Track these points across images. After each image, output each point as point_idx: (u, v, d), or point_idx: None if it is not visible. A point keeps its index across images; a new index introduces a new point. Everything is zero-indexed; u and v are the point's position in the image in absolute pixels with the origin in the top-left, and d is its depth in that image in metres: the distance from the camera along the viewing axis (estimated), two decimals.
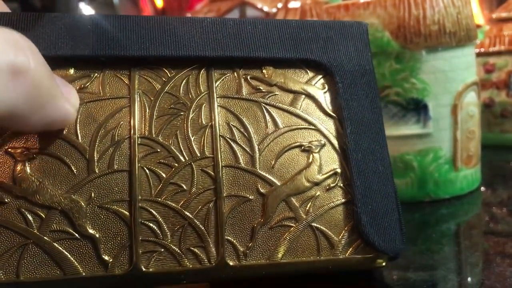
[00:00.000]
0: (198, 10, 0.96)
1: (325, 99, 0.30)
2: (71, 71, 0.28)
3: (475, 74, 0.45)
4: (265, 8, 0.85)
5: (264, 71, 0.30)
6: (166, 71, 0.29)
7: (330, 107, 0.30)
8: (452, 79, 0.42)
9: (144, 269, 0.26)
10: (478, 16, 0.77)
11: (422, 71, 0.42)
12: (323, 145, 0.29)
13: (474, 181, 0.45)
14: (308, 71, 0.31)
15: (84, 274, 0.25)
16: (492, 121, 0.62)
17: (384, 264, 0.29)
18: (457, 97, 0.43)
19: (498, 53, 0.62)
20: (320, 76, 0.31)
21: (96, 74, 0.28)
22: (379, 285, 0.29)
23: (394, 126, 0.42)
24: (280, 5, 0.64)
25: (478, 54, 0.60)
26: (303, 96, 0.30)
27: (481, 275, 0.30)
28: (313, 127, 0.29)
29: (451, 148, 0.43)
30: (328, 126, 0.30)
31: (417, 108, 0.42)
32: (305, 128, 0.29)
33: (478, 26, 0.62)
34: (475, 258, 0.33)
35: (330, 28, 0.31)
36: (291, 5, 0.63)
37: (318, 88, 0.30)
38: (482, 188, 0.47)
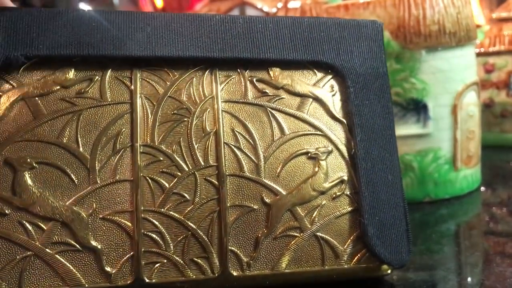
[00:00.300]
0: (198, 10, 0.96)
1: (333, 102, 0.29)
2: (71, 73, 0.27)
3: (475, 74, 0.45)
4: (265, 8, 0.85)
5: (270, 72, 0.29)
6: (169, 73, 0.28)
7: (339, 111, 0.29)
8: (452, 79, 0.42)
9: (147, 280, 0.26)
10: (478, 16, 0.77)
11: (421, 71, 0.42)
12: (330, 152, 0.28)
13: (474, 181, 0.45)
14: (317, 72, 0.30)
15: (87, 285, 0.25)
16: (492, 121, 0.62)
17: (389, 271, 0.28)
18: (457, 97, 0.43)
19: (498, 53, 0.62)
20: (329, 77, 0.30)
21: (97, 77, 0.27)
22: (379, 285, 0.29)
23: None
24: (280, 4, 0.64)
25: (478, 54, 0.60)
26: (311, 99, 0.29)
27: (481, 275, 0.30)
28: (320, 133, 0.29)
29: (451, 148, 0.43)
30: (336, 132, 0.29)
31: (416, 108, 0.42)
32: (312, 134, 0.29)
33: (478, 26, 0.62)
34: (475, 258, 0.33)
35: (344, 28, 0.30)
36: (291, 5, 0.63)
37: (327, 90, 0.29)
38: (482, 188, 0.47)
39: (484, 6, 0.81)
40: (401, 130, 0.42)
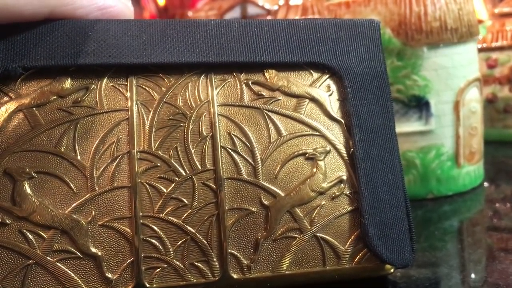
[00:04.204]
0: (200, 8, 0.96)
1: (330, 102, 0.29)
2: (67, 83, 0.27)
3: (477, 70, 0.45)
4: (267, 6, 0.84)
5: (266, 74, 0.29)
6: (165, 78, 0.28)
7: (336, 111, 0.29)
8: (454, 75, 0.42)
9: (148, 285, 0.26)
10: (480, 11, 0.76)
11: (423, 68, 0.42)
12: (328, 152, 0.28)
13: (477, 178, 0.45)
14: (313, 72, 0.29)
15: None
16: (494, 117, 0.62)
17: (392, 270, 0.28)
18: (459, 94, 0.43)
19: (501, 48, 0.61)
20: (326, 77, 0.29)
21: (93, 86, 0.27)
22: (382, 283, 0.29)
23: (396, 124, 0.42)
24: (281, 2, 0.64)
25: (481, 50, 0.60)
26: (307, 100, 0.29)
27: (484, 272, 0.30)
28: (317, 133, 0.28)
29: (453, 144, 0.43)
30: (334, 131, 0.29)
31: (419, 105, 0.42)
32: (309, 135, 0.28)
33: (480, 21, 0.62)
34: (478, 255, 0.33)
35: (340, 28, 0.30)
36: (292, 2, 0.63)
37: (323, 90, 0.29)
38: (485, 184, 0.47)
39: (486, 1, 0.81)
40: (403, 127, 0.42)
